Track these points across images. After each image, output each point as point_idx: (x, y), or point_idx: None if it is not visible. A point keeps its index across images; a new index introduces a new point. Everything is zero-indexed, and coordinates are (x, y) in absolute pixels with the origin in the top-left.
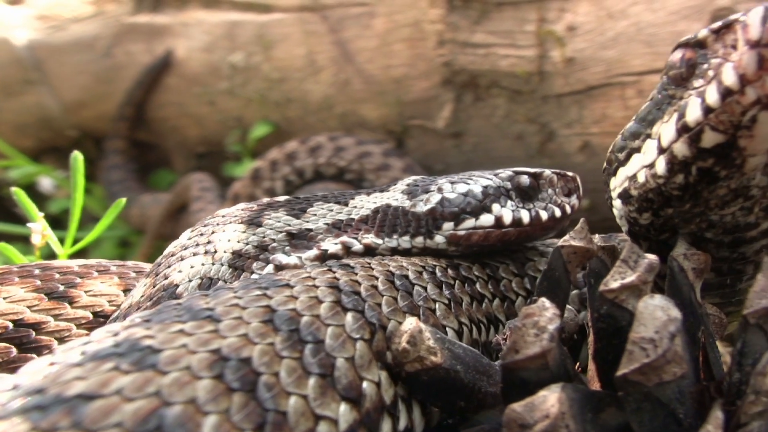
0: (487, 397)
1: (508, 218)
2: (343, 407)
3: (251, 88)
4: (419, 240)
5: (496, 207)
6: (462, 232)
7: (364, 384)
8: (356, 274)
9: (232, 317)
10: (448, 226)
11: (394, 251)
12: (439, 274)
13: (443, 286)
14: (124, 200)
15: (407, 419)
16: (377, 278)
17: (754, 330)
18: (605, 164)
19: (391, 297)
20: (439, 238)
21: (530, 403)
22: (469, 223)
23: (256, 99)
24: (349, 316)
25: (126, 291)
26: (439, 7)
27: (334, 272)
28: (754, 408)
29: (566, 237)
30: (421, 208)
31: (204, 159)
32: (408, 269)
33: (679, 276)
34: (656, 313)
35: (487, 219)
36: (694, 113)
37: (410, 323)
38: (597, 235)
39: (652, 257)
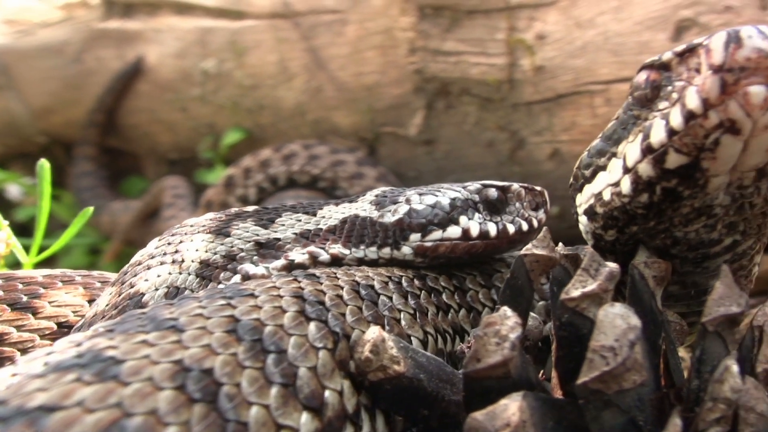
0: (450, 406)
1: (475, 231)
2: (305, 416)
3: (223, 95)
4: (386, 251)
5: (463, 219)
6: (429, 244)
7: (326, 393)
8: (321, 283)
9: (195, 327)
10: (415, 237)
11: (361, 262)
12: (405, 284)
13: (409, 296)
14: (91, 209)
15: (370, 428)
16: (342, 288)
17: (713, 337)
18: (572, 179)
19: (355, 306)
20: (406, 249)
21: (491, 411)
22: (436, 234)
23: (228, 105)
24: (312, 326)
25: (91, 301)
26: (410, 15)
27: (300, 282)
28: (711, 415)
29: (529, 246)
30: (389, 218)
31: (176, 166)
32: (374, 279)
33: (640, 284)
34: (616, 322)
35: (454, 231)
36: (658, 135)
37: (373, 332)
38: (560, 244)
39: (612, 266)
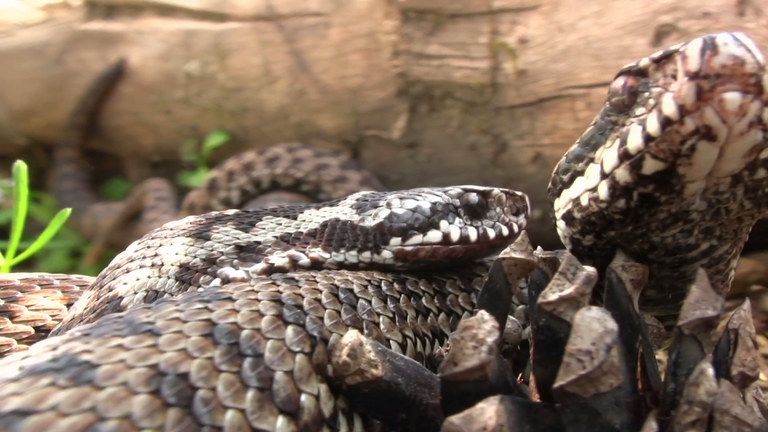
0: (428, 410)
1: (455, 235)
2: (281, 420)
3: (207, 97)
4: (366, 255)
5: (444, 224)
6: (409, 248)
7: (303, 397)
8: (300, 287)
9: (172, 331)
10: (395, 241)
11: (341, 265)
12: (384, 288)
13: (388, 299)
14: (69, 210)
15: None
16: (321, 291)
17: (689, 341)
18: (550, 184)
19: (334, 310)
20: (386, 254)
21: (468, 415)
22: (417, 239)
23: (211, 108)
24: (290, 330)
25: (69, 305)
26: (394, 18)
27: (278, 286)
28: (687, 418)
29: (507, 249)
30: (369, 222)
31: (159, 168)
32: (353, 283)
33: (618, 287)
34: (593, 325)
35: (434, 235)
36: (635, 141)
37: (351, 336)
38: (539, 248)
39: (590, 269)
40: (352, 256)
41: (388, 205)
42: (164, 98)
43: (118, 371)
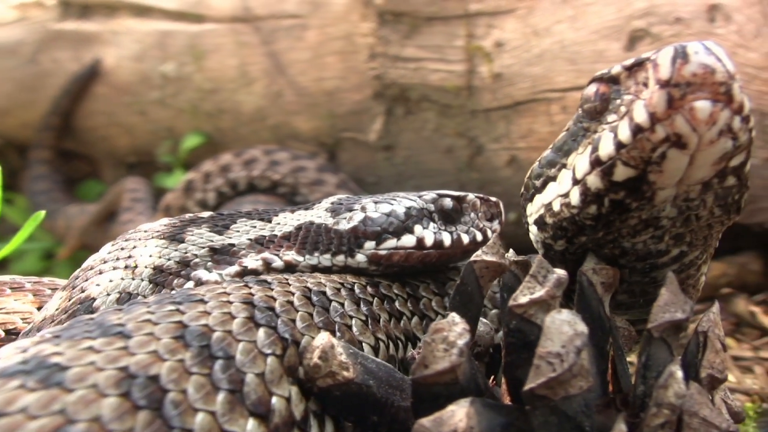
0: (400, 412)
1: (429, 240)
2: (251, 423)
3: (183, 99)
4: (340, 258)
5: (418, 228)
6: (383, 252)
7: (274, 399)
8: (272, 289)
9: (143, 333)
10: (369, 245)
11: (315, 269)
12: (357, 291)
13: (361, 302)
14: (43, 212)
15: None
16: (293, 294)
17: (658, 343)
18: (523, 189)
19: (306, 313)
20: (360, 257)
21: (438, 417)
22: (391, 243)
23: (187, 109)
24: (261, 332)
25: (41, 308)
26: (371, 20)
27: (250, 288)
28: (656, 420)
29: (479, 252)
30: (344, 226)
31: (134, 169)
32: (326, 286)
33: (588, 290)
34: (563, 328)
35: (408, 240)
36: (606, 148)
37: (322, 338)
38: (511, 250)
39: (560, 272)
40: (325, 260)
41: (363, 209)
42: (139, 99)
43: (88, 373)
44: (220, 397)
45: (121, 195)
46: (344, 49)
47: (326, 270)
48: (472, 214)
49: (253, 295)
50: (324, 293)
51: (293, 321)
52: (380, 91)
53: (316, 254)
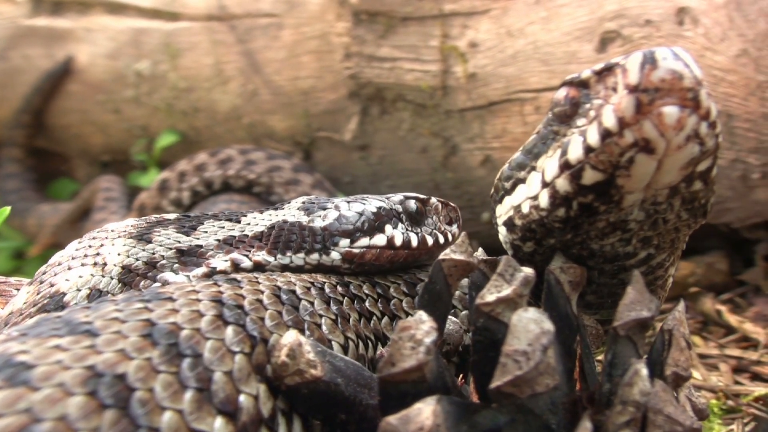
0: (368, 410)
1: (399, 240)
2: (219, 421)
3: (158, 97)
4: (314, 256)
5: (388, 228)
6: (356, 250)
7: (241, 397)
8: (241, 288)
9: (110, 331)
10: (344, 242)
11: (286, 268)
12: (327, 290)
13: (331, 301)
14: (8, 208)
15: None
16: (263, 292)
17: (624, 342)
18: (492, 190)
19: (275, 311)
20: (334, 255)
21: (405, 415)
22: (364, 241)
23: (162, 108)
24: (230, 330)
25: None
26: (346, 20)
27: (219, 286)
28: (621, 417)
29: (447, 251)
30: (319, 223)
31: (108, 168)
32: (296, 284)
33: (556, 289)
34: (529, 326)
35: (380, 239)
36: (575, 152)
37: (290, 336)
38: (480, 249)
39: (528, 271)
40: (298, 258)
41: (336, 208)
42: (113, 97)
43: (54, 372)
44: (188, 395)
45: (95, 193)
46: (319, 48)
47: (298, 269)
48: (435, 217)
49: (222, 293)
50: (294, 292)
51: (262, 319)
52: (355, 90)
53: (289, 253)
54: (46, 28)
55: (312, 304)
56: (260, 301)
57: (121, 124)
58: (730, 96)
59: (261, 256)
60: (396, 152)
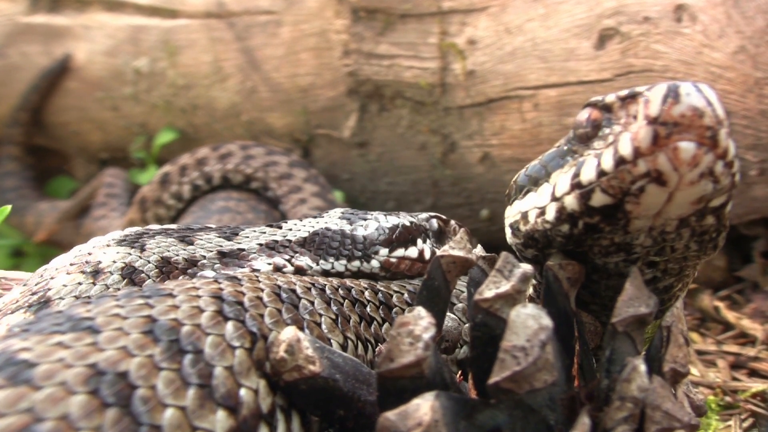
0: (366, 406)
1: (428, 253)
2: (220, 414)
3: (156, 94)
4: (356, 263)
5: (419, 242)
6: (393, 260)
7: (242, 391)
8: (242, 285)
9: (112, 328)
10: (383, 251)
11: (326, 274)
12: (328, 291)
13: (332, 302)
14: (9, 207)
15: (285, 428)
16: (263, 290)
17: (622, 338)
18: (507, 190)
19: (274, 309)
20: (374, 263)
21: (403, 411)
22: (400, 252)
23: (161, 105)
24: (230, 325)
25: None
26: (344, 17)
27: (219, 283)
28: (619, 414)
29: (445, 247)
30: (361, 232)
31: (107, 165)
32: (296, 284)
33: (554, 285)
34: (528, 322)
35: (412, 251)
36: (588, 173)
37: (288, 332)
38: (479, 246)
39: (526, 267)
40: (340, 265)
41: (376, 219)
42: (112, 94)
43: (56, 370)
44: (190, 392)
45: (98, 188)
46: (318, 45)
47: (338, 275)
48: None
49: (222, 290)
50: (294, 291)
51: (261, 316)
52: (354, 87)
53: (331, 259)
54: (44, 25)
55: (312, 303)
56: (260, 298)
57: (119, 122)
58: (727, 93)
59: (304, 260)
60: (395, 149)
